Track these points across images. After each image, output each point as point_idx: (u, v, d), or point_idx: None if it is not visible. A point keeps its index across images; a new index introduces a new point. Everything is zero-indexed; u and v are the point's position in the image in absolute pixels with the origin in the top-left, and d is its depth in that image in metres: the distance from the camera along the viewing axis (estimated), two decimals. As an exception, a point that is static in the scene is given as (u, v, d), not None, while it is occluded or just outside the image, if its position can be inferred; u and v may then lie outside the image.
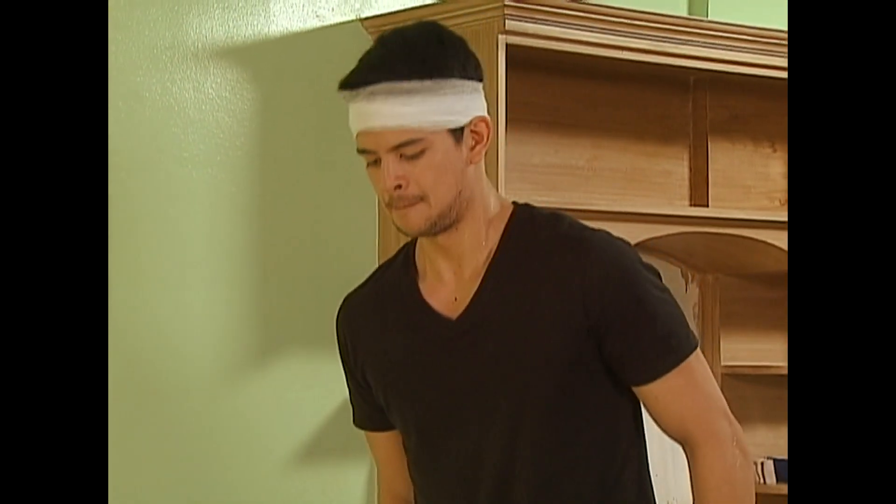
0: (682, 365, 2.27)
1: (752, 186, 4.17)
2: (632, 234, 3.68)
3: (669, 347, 2.27)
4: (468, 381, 2.29)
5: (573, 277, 2.25)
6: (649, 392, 2.29)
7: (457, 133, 2.23)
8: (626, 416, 2.33)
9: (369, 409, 2.43)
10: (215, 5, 3.51)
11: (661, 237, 3.80)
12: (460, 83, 2.23)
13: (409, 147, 2.21)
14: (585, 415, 2.29)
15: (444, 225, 2.26)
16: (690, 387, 2.28)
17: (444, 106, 2.21)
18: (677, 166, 4.12)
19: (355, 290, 2.44)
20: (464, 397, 2.30)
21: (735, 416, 2.30)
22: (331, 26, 3.66)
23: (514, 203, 2.35)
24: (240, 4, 3.55)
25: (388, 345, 2.36)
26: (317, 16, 3.65)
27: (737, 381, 4.10)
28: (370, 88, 2.20)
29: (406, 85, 2.19)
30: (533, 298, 2.27)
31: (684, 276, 4.21)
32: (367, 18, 3.68)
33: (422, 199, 2.23)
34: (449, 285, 2.32)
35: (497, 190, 2.34)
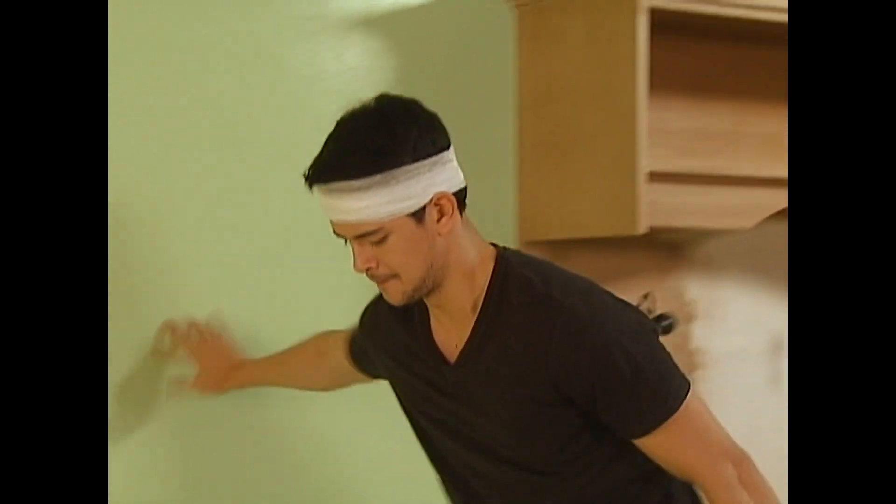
0: (671, 419, 2.28)
1: (903, 149, 4.08)
2: (776, 200, 3.64)
3: (653, 406, 2.28)
4: (456, 420, 2.44)
5: (539, 349, 2.29)
6: (643, 444, 2.32)
7: (418, 214, 2.30)
8: (628, 460, 2.36)
9: (366, 357, 2.69)
10: (356, -25, 3.52)
11: (806, 202, 3.74)
12: (414, 167, 2.27)
13: (371, 236, 2.31)
14: (565, 472, 2.36)
15: (422, 294, 2.37)
16: (684, 437, 2.28)
17: (397, 195, 2.27)
18: (825, 129, 4.05)
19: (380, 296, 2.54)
20: (449, 432, 2.47)
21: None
22: (470, -7, 3.65)
23: (494, 247, 2.42)
24: (380, -27, 3.55)
25: (399, 367, 2.53)
26: (456, -17, 3.64)
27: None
28: (324, 187, 2.30)
29: (356, 183, 2.26)
30: (508, 364, 2.34)
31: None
32: (506, -15, 3.67)
33: (394, 276, 2.33)
34: (449, 330, 2.43)
35: (479, 237, 2.45)
